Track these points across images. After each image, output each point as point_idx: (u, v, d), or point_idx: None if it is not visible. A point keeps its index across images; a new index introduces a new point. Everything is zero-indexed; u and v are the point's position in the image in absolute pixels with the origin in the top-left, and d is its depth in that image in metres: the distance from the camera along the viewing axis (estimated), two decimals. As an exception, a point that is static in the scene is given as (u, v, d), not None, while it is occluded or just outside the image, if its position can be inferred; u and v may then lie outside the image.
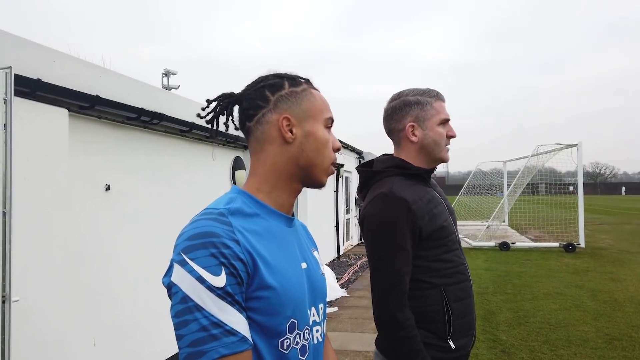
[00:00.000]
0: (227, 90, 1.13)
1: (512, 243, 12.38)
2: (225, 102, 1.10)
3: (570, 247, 11.52)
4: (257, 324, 0.92)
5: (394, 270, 1.46)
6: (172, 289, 0.88)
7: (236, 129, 1.13)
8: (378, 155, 1.77)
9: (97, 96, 3.31)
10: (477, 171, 20.49)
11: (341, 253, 11.30)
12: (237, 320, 0.87)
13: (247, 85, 1.09)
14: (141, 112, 3.77)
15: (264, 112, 1.04)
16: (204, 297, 0.85)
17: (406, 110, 1.62)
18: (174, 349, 4.12)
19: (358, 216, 1.73)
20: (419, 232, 1.49)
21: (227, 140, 5.37)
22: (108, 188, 3.63)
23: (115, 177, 3.69)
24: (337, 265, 9.94)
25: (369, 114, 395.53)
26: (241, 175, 5.77)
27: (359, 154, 13.72)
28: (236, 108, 1.11)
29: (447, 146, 1.67)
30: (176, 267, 0.88)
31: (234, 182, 5.64)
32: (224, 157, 5.58)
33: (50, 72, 2.95)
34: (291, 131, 1.03)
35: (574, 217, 12.88)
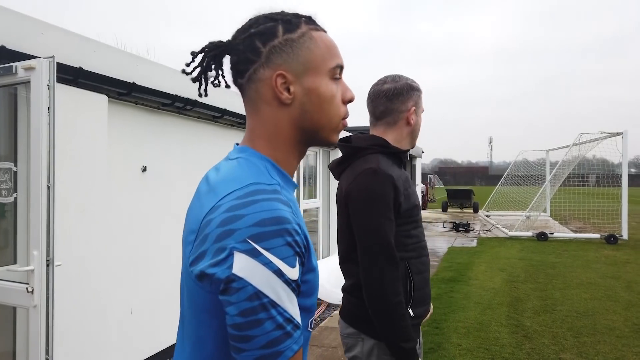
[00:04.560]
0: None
1: (551, 234, 12.12)
2: (212, 54, 0.93)
3: (611, 239, 11.18)
4: (301, 308, 0.82)
5: (385, 239, 1.54)
6: (234, 283, 0.73)
7: (227, 86, 0.97)
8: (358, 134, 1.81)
9: (134, 83, 3.55)
10: (518, 161, 20.00)
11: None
12: (298, 312, 0.78)
13: (237, 31, 0.91)
14: (175, 98, 4.01)
15: (255, 68, 0.88)
16: (280, 292, 0.74)
17: (411, 94, 1.73)
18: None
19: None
20: (398, 208, 1.60)
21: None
22: (144, 169, 3.90)
23: (151, 159, 3.96)
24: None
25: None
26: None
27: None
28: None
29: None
30: (242, 257, 0.73)
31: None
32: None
33: (91, 61, 3.21)
34: (288, 90, 0.87)
35: (619, 208, 12.45)
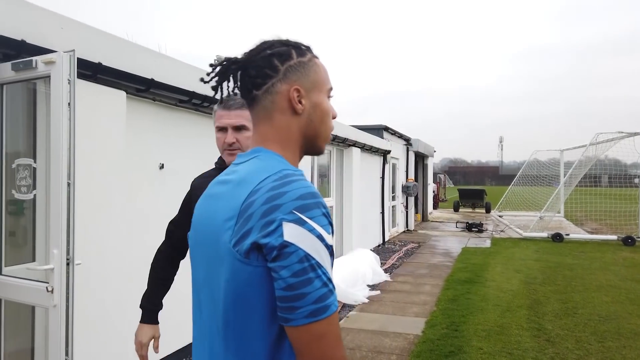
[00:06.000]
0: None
1: (566, 235, 11.94)
2: (231, 69, 1.07)
3: (629, 241, 10.99)
4: None
5: (170, 224, 2.18)
6: (287, 248, 0.86)
7: (242, 95, 1.10)
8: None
9: (152, 80, 3.50)
10: (532, 161, 19.75)
11: (386, 239, 11.32)
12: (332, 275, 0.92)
13: (252, 51, 1.07)
14: (192, 95, 3.95)
15: (273, 82, 1.03)
16: (323, 254, 0.88)
17: (214, 118, 1.93)
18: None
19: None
20: (189, 211, 1.79)
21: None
22: (162, 167, 3.85)
23: (168, 156, 3.90)
24: (382, 251, 9.97)
25: (420, 102, 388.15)
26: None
27: (407, 140, 13.60)
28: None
29: (227, 151, 1.84)
30: (291, 226, 0.87)
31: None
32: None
33: (110, 57, 3.16)
34: (300, 102, 1.04)
35: (635, 209, 12.23)
